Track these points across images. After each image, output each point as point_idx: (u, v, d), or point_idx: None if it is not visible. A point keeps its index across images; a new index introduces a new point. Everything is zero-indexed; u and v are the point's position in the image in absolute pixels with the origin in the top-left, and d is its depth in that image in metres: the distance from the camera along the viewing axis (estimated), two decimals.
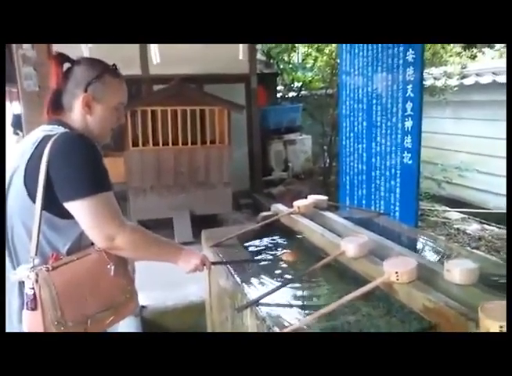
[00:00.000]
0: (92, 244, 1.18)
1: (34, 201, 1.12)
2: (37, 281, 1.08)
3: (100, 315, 1.15)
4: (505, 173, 4.66)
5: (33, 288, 1.08)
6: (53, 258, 1.13)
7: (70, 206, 1.12)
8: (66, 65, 1.26)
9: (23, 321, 1.10)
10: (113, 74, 1.27)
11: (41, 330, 1.08)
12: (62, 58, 1.25)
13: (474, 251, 3.04)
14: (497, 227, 4.50)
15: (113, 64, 1.29)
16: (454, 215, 4.87)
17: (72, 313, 1.11)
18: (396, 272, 1.12)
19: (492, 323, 0.86)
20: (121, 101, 1.30)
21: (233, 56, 4.21)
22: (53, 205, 1.13)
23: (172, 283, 2.11)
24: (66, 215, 1.14)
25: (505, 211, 4.70)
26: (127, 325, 1.98)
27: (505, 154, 4.64)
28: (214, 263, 1.43)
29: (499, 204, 4.82)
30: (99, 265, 1.17)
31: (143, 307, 2.19)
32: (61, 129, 1.20)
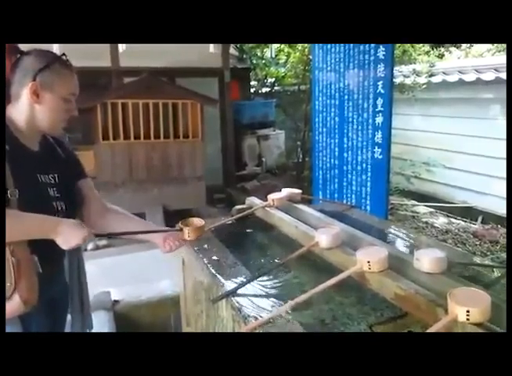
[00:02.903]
0: None
1: None
2: None
3: None
4: (470, 168, 4.84)
5: None
6: None
7: None
8: (16, 56, 1.23)
9: None
10: (63, 64, 1.25)
11: None
12: (12, 49, 1.22)
13: (442, 243, 3.14)
14: (463, 221, 4.67)
15: (63, 54, 1.26)
16: (422, 208, 5.02)
17: None
18: (368, 262, 1.14)
19: (459, 309, 0.89)
20: (71, 92, 1.27)
21: (205, 49, 4.19)
22: None
23: (146, 277, 2.10)
24: None
25: (470, 205, 4.88)
26: (99, 319, 1.94)
27: (471, 151, 4.82)
28: (97, 235, 1.28)
29: (465, 199, 4.99)
30: None
31: (116, 301, 2.16)
32: None
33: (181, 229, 1.40)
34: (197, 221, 1.46)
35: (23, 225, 1.14)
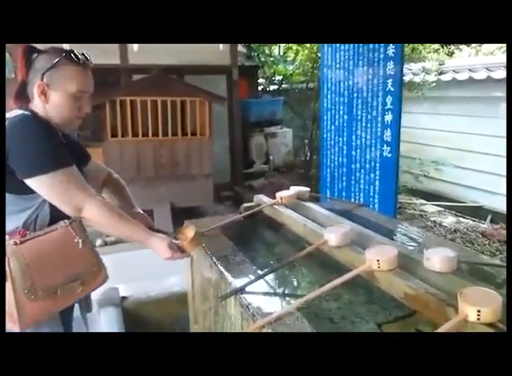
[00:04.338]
0: (61, 219, 1.23)
1: None
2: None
3: (69, 285, 1.22)
4: (479, 167, 4.80)
5: None
6: (20, 234, 1.18)
7: (33, 182, 1.17)
8: (32, 56, 1.26)
9: None
10: (72, 61, 1.25)
11: (11, 300, 1.12)
12: (29, 50, 1.25)
13: (450, 242, 3.12)
14: (471, 220, 4.63)
15: (70, 50, 1.26)
16: (431, 207, 4.98)
17: (41, 283, 1.16)
18: (377, 261, 1.14)
19: (470, 309, 0.88)
20: (81, 89, 1.27)
21: (214, 47, 4.19)
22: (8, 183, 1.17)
23: (154, 273, 2.10)
24: (20, 192, 1.19)
25: (479, 204, 4.84)
26: (107, 316, 1.96)
27: (480, 149, 4.78)
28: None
29: (474, 198, 4.95)
30: (65, 239, 1.23)
31: (124, 298, 2.17)
32: (20, 112, 1.22)
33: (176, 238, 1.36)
34: (189, 230, 1.35)
35: (122, 226, 1.28)
